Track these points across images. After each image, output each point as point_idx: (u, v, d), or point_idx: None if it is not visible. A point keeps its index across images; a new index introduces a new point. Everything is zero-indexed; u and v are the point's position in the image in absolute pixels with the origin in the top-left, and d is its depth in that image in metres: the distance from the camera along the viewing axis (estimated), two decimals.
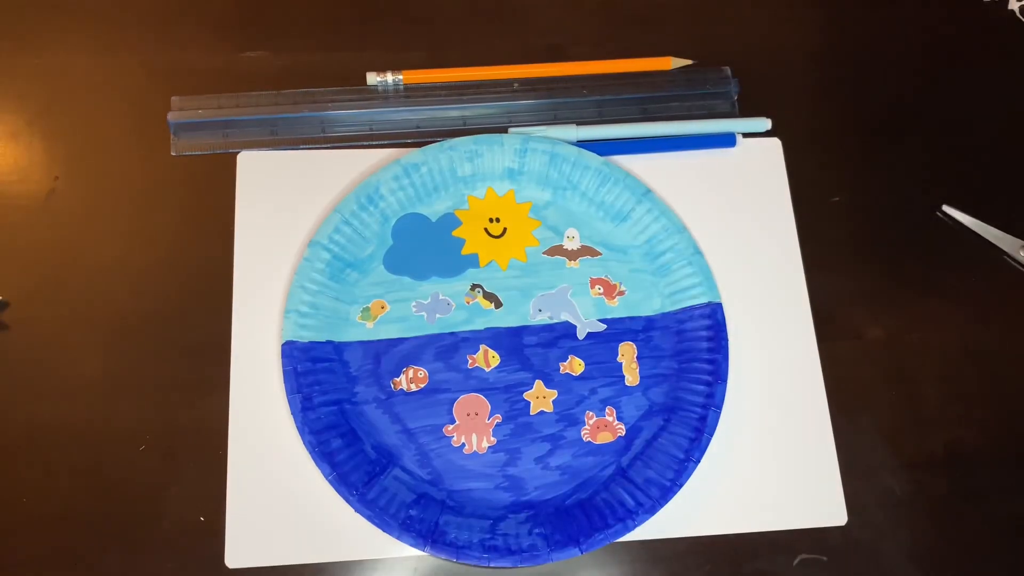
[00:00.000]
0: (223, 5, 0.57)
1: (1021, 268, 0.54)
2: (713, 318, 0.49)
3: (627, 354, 0.50)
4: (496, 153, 0.52)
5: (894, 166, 0.56)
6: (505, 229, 0.52)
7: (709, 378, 0.48)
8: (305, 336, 0.47)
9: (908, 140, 0.57)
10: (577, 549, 0.44)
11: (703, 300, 0.50)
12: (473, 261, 0.51)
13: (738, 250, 0.53)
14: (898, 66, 0.58)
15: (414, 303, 0.50)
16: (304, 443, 0.45)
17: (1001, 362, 0.52)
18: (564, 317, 0.50)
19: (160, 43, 0.55)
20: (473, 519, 0.46)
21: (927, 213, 0.55)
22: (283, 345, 0.47)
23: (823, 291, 0.52)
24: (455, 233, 0.52)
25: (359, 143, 0.54)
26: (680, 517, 0.47)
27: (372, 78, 0.55)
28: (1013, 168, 0.56)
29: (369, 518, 0.44)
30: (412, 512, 0.45)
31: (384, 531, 0.44)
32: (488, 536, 0.45)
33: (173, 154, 0.53)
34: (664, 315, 0.50)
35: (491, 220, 0.52)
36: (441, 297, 0.50)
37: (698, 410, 0.47)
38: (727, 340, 0.48)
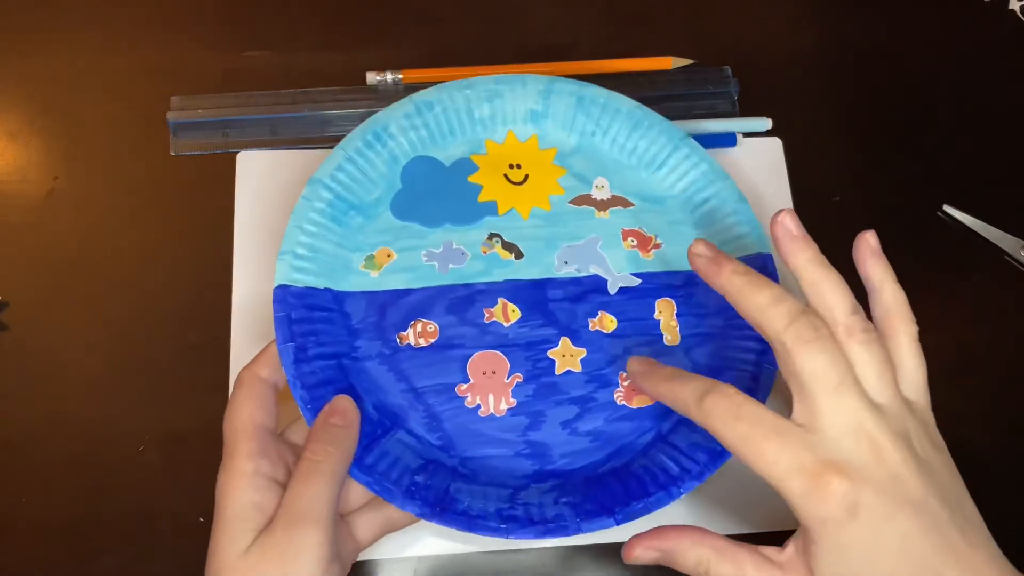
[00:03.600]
0: (223, 5, 0.57)
1: (1021, 268, 0.54)
2: (765, 270, 0.44)
3: (665, 311, 0.46)
4: (518, 94, 0.48)
5: (894, 166, 0.56)
6: (527, 176, 0.48)
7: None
8: (301, 280, 0.42)
9: (908, 140, 0.57)
10: (611, 519, 0.39)
11: (753, 251, 0.45)
12: (491, 208, 0.47)
13: None
14: (898, 66, 0.58)
15: (424, 251, 0.45)
16: (296, 399, 0.40)
17: (1001, 362, 0.52)
18: (593, 270, 0.46)
19: (160, 43, 0.55)
20: (490, 487, 0.41)
21: (927, 213, 0.55)
22: (275, 289, 0.42)
23: None
24: (471, 179, 0.47)
25: None
26: (680, 517, 0.47)
27: (372, 78, 0.55)
28: (1013, 168, 0.56)
29: (368, 485, 0.39)
30: (418, 478, 0.40)
31: (386, 499, 0.39)
32: (506, 506, 0.40)
33: (173, 154, 0.53)
34: None
35: (511, 166, 0.48)
36: (455, 246, 0.46)
37: (750, 368, 0.43)
38: None
